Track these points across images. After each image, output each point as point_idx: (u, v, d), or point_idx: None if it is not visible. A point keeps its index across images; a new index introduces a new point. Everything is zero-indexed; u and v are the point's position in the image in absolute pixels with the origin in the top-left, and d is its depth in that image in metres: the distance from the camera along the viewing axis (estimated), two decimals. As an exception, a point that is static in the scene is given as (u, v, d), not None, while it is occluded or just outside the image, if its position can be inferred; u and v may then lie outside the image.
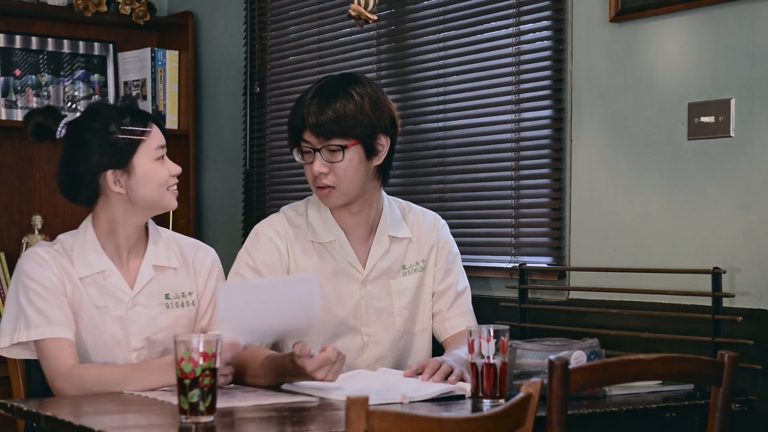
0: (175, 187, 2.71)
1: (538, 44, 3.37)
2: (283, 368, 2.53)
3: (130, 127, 2.64)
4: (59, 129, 2.70)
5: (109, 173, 2.64)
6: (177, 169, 2.71)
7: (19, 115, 4.42)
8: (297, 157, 2.79)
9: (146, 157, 2.65)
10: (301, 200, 2.94)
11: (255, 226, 2.90)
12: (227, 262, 2.88)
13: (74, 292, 2.65)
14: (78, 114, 2.75)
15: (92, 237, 2.69)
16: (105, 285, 2.67)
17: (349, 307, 2.82)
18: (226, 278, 2.84)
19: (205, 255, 2.82)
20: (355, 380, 2.57)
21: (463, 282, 3.00)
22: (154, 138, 2.67)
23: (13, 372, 2.77)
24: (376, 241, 2.86)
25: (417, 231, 2.94)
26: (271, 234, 2.82)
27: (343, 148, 2.73)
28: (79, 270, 2.66)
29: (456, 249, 3.01)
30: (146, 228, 2.75)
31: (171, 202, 2.70)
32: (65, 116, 2.74)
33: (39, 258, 2.65)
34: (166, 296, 2.72)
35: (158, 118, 2.77)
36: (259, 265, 2.79)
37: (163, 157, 2.68)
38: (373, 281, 2.85)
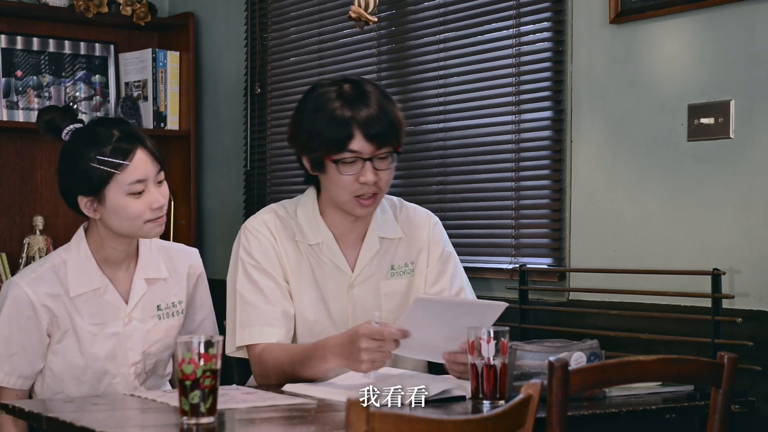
0: (160, 218, 2.64)
1: (539, 45, 3.38)
2: (316, 351, 2.55)
3: (107, 158, 2.58)
4: (64, 133, 2.68)
5: (82, 198, 2.63)
6: (159, 201, 2.63)
7: (20, 116, 4.43)
8: (336, 169, 2.64)
9: (117, 190, 2.59)
10: (290, 199, 2.88)
11: (246, 223, 2.82)
12: (228, 264, 2.87)
13: (63, 315, 2.66)
14: (80, 124, 2.71)
15: (86, 251, 2.69)
16: (100, 302, 2.68)
17: (336, 310, 2.78)
18: (220, 280, 2.83)
19: (196, 261, 2.86)
20: (355, 381, 2.57)
21: (458, 284, 2.87)
22: (131, 172, 2.59)
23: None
24: (366, 243, 2.80)
25: (407, 229, 2.86)
26: (264, 231, 2.77)
27: (396, 153, 2.68)
28: (74, 288, 2.66)
29: (450, 248, 2.90)
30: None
31: (150, 234, 2.65)
32: (79, 118, 2.72)
33: (20, 298, 2.65)
34: (158, 307, 2.75)
35: (152, 146, 2.65)
36: (265, 266, 2.75)
37: (141, 191, 2.60)
38: (361, 284, 2.79)
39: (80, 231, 2.73)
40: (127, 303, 2.71)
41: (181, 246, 2.90)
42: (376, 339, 2.44)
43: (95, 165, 2.58)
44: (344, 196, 2.68)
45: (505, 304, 2.48)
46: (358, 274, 2.79)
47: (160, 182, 2.65)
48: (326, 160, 2.65)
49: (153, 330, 2.73)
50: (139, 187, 2.60)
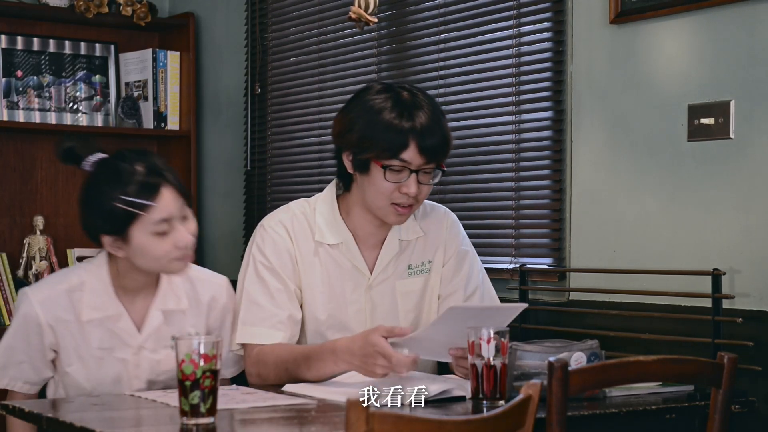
0: (187, 254, 2.56)
1: (539, 46, 3.38)
2: (322, 353, 2.56)
3: (132, 199, 2.48)
4: (86, 163, 2.59)
5: (106, 237, 2.55)
6: (185, 240, 2.54)
7: (21, 116, 4.43)
8: (380, 174, 2.64)
9: (143, 231, 2.51)
10: (309, 198, 2.86)
11: (263, 220, 2.81)
12: (229, 264, 2.87)
13: (67, 341, 2.62)
14: (102, 154, 2.61)
15: (105, 277, 2.62)
16: (112, 328, 2.62)
17: (353, 311, 2.77)
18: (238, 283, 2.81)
19: (220, 292, 2.75)
20: (356, 381, 2.57)
21: (473, 283, 2.87)
22: (157, 212, 2.50)
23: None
24: (386, 245, 2.79)
25: (425, 227, 2.85)
26: (281, 232, 2.75)
27: (442, 171, 2.69)
28: (87, 313, 2.61)
29: (466, 246, 2.90)
30: None
31: (175, 270, 2.58)
32: (99, 148, 2.61)
33: (29, 315, 2.63)
34: (172, 338, 2.62)
35: (176, 181, 2.55)
36: (276, 267, 2.73)
37: (166, 230, 2.51)
38: (378, 285, 2.79)
39: (103, 254, 2.65)
40: (140, 332, 2.65)
41: (208, 274, 2.79)
42: (389, 361, 2.44)
43: (120, 205, 2.49)
44: (381, 201, 2.68)
45: (524, 305, 2.51)
46: (377, 275, 2.79)
47: (185, 217, 2.56)
48: (373, 163, 2.65)
49: (164, 360, 2.65)
50: (164, 227, 2.51)
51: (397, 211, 2.69)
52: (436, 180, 2.70)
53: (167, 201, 2.52)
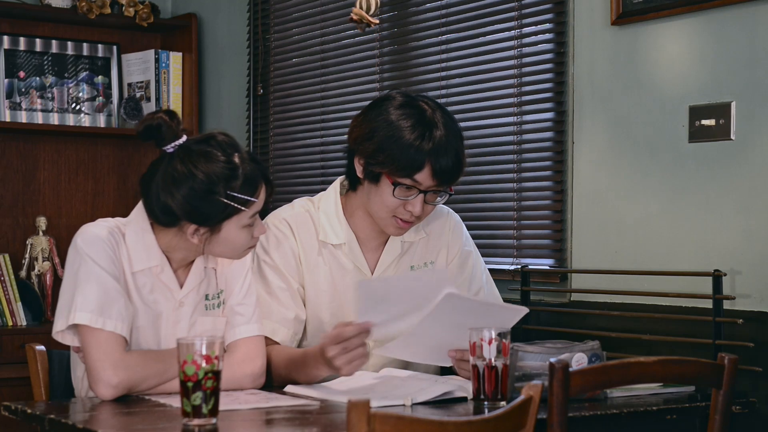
0: (256, 245, 2.54)
1: (540, 47, 3.39)
2: (305, 358, 2.54)
3: (237, 194, 2.37)
4: (169, 146, 2.41)
5: (190, 225, 2.41)
6: (263, 231, 2.48)
7: (23, 117, 4.44)
8: (389, 189, 2.64)
9: (235, 224, 2.41)
10: (314, 196, 2.86)
11: (267, 218, 2.79)
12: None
13: (124, 283, 2.47)
14: (192, 140, 2.43)
15: (148, 229, 2.47)
16: (156, 281, 2.50)
17: (354, 312, 2.77)
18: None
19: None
20: (357, 382, 2.58)
21: (477, 284, 2.88)
22: (255, 206, 2.42)
23: (33, 372, 2.68)
24: (389, 247, 2.80)
25: (428, 228, 2.85)
26: (285, 230, 2.75)
27: (449, 194, 2.69)
28: (135, 263, 2.47)
29: (469, 247, 2.90)
30: None
31: (242, 257, 2.53)
32: (183, 129, 2.43)
33: (97, 235, 2.44)
34: (206, 297, 2.57)
35: (267, 171, 2.47)
36: (280, 266, 2.73)
37: (253, 223, 2.44)
38: None
39: (141, 208, 2.49)
40: (181, 287, 2.53)
41: None
42: (338, 343, 2.44)
43: (223, 199, 2.37)
44: (383, 213, 2.69)
45: (525, 309, 2.49)
46: (378, 276, 2.79)
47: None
48: (384, 176, 2.64)
49: (199, 320, 2.56)
50: (253, 220, 2.44)
51: (398, 224, 2.69)
52: (442, 201, 2.70)
53: (263, 195, 2.45)
